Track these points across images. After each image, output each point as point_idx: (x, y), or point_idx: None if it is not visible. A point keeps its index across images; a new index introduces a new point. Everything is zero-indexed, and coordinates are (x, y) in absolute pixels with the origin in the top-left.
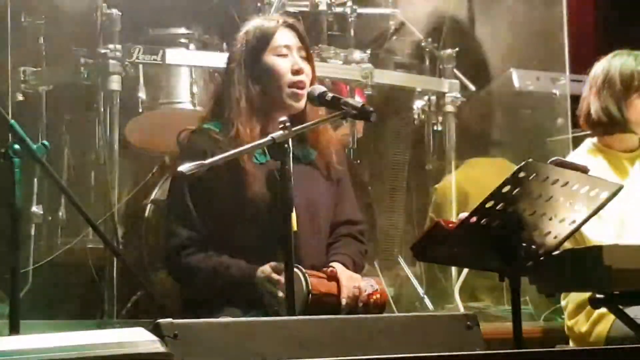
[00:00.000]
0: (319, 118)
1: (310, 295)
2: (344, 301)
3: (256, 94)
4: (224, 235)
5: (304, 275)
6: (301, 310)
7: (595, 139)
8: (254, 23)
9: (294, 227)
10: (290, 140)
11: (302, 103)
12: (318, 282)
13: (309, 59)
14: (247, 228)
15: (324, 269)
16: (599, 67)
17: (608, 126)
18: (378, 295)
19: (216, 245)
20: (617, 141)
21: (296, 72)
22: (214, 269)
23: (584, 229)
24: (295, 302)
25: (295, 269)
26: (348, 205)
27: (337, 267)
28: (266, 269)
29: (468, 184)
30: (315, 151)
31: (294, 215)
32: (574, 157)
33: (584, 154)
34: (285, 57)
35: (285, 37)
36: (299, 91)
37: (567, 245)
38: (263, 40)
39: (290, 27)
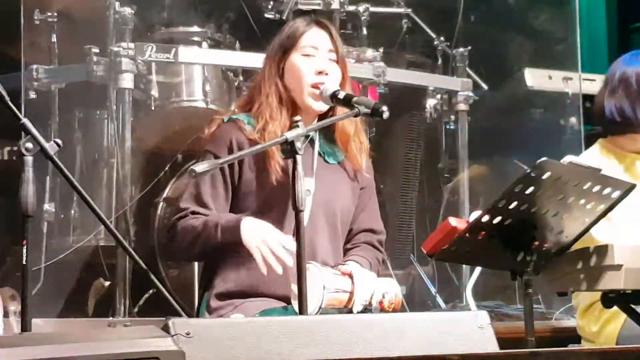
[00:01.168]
0: (337, 116)
1: (324, 290)
2: (357, 297)
3: (283, 90)
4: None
5: (319, 271)
6: (316, 305)
7: (607, 139)
8: (292, 22)
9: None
10: (316, 139)
11: (322, 105)
12: (333, 278)
13: (338, 61)
14: (265, 215)
15: (339, 266)
16: (616, 66)
17: (621, 126)
18: (393, 306)
19: None
20: (630, 142)
21: (319, 73)
22: (204, 222)
23: (592, 230)
24: (310, 298)
25: (310, 264)
26: (370, 214)
27: (352, 265)
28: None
29: (480, 182)
30: (343, 154)
31: (306, 209)
32: (585, 156)
33: (596, 153)
34: (311, 57)
35: (314, 38)
36: (316, 91)
37: (576, 245)
38: (292, 38)
39: (323, 27)
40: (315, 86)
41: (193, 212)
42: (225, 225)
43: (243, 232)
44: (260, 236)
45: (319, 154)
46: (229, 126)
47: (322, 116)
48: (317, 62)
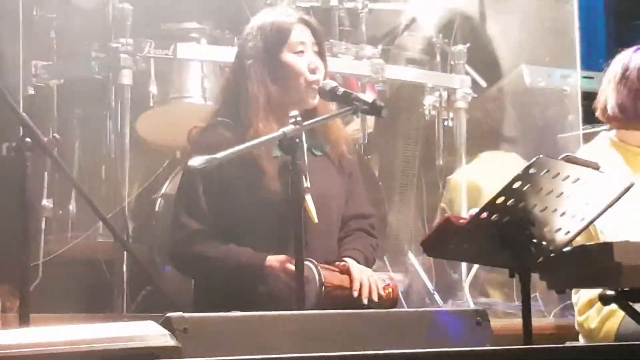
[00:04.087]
0: (330, 111)
1: (323, 287)
2: (355, 294)
3: (274, 91)
4: (235, 229)
5: (317, 268)
6: (314, 302)
7: (610, 133)
8: (268, 18)
9: (315, 219)
10: (303, 134)
11: (317, 100)
12: (330, 274)
13: (322, 54)
14: (259, 221)
15: (336, 263)
16: (619, 61)
17: (623, 121)
18: (390, 290)
19: (226, 238)
20: (631, 136)
21: (312, 70)
22: (222, 257)
23: (598, 224)
24: (308, 295)
25: (308, 262)
26: (359, 199)
27: (349, 261)
28: (282, 259)
29: (480, 177)
30: (327, 144)
31: (313, 208)
32: (588, 150)
33: (599, 147)
34: (302, 55)
35: (300, 34)
36: (316, 87)
37: (580, 240)
38: (279, 37)
39: (305, 23)
40: (310, 84)
41: (195, 232)
42: (246, 266)
43: (267, 279)
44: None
45: (306, 148)
46: (215, 131)
47: (307, 110)
48: (309, 59)
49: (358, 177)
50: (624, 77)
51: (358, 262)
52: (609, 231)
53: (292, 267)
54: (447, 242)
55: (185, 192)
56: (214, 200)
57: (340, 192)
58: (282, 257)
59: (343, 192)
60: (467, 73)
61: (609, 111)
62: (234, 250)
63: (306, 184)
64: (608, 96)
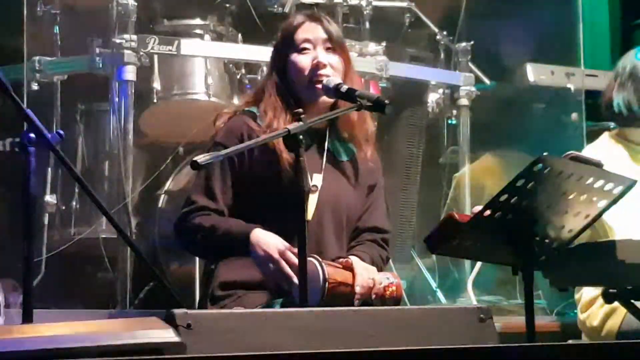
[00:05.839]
0: (339, 109)
1: (326, 283)
2: (358, 289)
3: (284, 89)
4: (248, 214)
5: (321, 264)
6: (317, 298)
7: (615, 131)
8: (288, 19)
9: (308, 216)
10: (327, 133)
11: (325, 98)
12: (334, 271)
13: (336, 50)
14: (271, 212)
15: (340, 259)
16: (626, 60)
17: (628, 120)
18: (394, 288)
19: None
20: (637, 134)
21: (315, 66)
22: (212, 226)
23: (608, 221)
24: (311, 290)
25: (311, 258)
26: (377, 213)
27: (353, 258)
28: (280, 246)
29: (484, 175)
30: (352, 150)
31: (312, 205)
32: (594, 147)
33: (605, 144)
34: (307, 52)
35: (307, 32)
36: (318, 85)
37: (588, 237)
38: (287, 37)
39: (315, 20)
40: (315, 81)
41: (202, 207)
42: (235, 236)
43: (252, 250)
44: (268, 256)
45: (329, 150)
46: (241, 119)
47: (329, 108)
48: (314, 56)
49: (380, 192)
50: (631, 76)
51: (363, 261)
52: (619, 228)
53: (292, 258)
54: (450, 239)
55: (201, 175)
56: (228, 184)
57: (352, 199)
58: (272, 240)
59: (356, 201)
60: (471, 70)
61: (615, 108)
62: (225, 220)
63: (312, 182)
64: (614, 94)
